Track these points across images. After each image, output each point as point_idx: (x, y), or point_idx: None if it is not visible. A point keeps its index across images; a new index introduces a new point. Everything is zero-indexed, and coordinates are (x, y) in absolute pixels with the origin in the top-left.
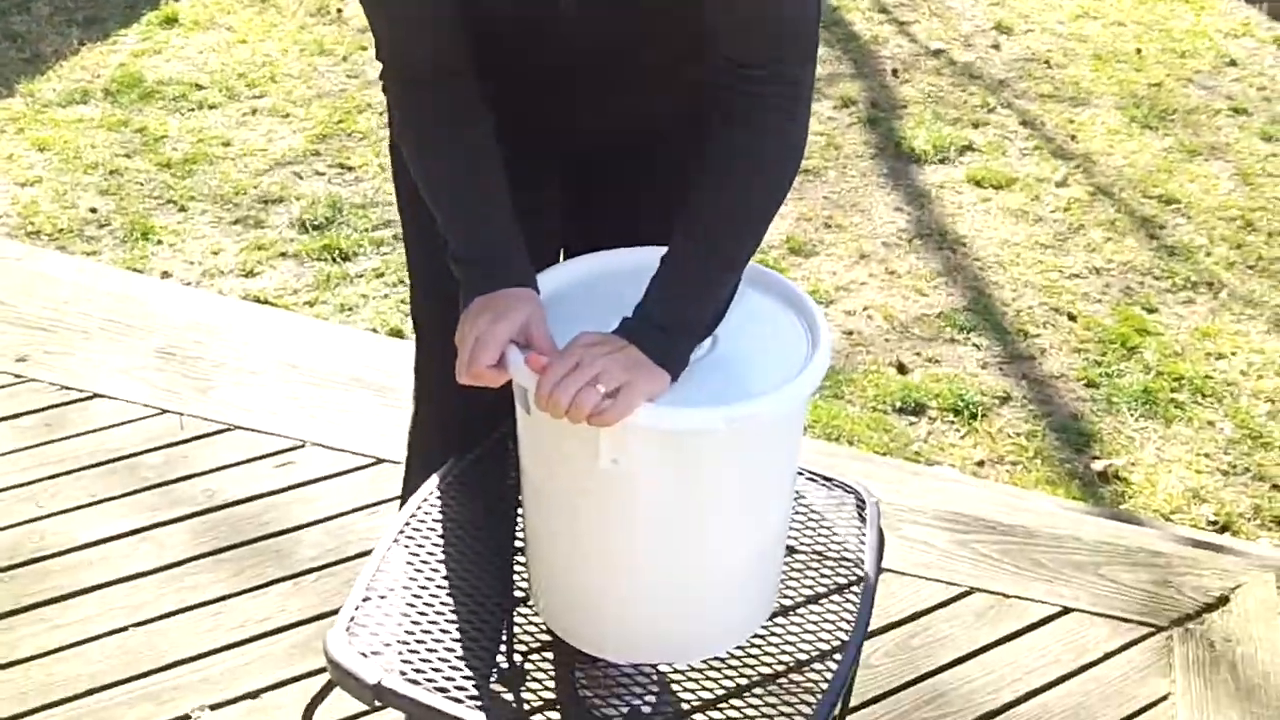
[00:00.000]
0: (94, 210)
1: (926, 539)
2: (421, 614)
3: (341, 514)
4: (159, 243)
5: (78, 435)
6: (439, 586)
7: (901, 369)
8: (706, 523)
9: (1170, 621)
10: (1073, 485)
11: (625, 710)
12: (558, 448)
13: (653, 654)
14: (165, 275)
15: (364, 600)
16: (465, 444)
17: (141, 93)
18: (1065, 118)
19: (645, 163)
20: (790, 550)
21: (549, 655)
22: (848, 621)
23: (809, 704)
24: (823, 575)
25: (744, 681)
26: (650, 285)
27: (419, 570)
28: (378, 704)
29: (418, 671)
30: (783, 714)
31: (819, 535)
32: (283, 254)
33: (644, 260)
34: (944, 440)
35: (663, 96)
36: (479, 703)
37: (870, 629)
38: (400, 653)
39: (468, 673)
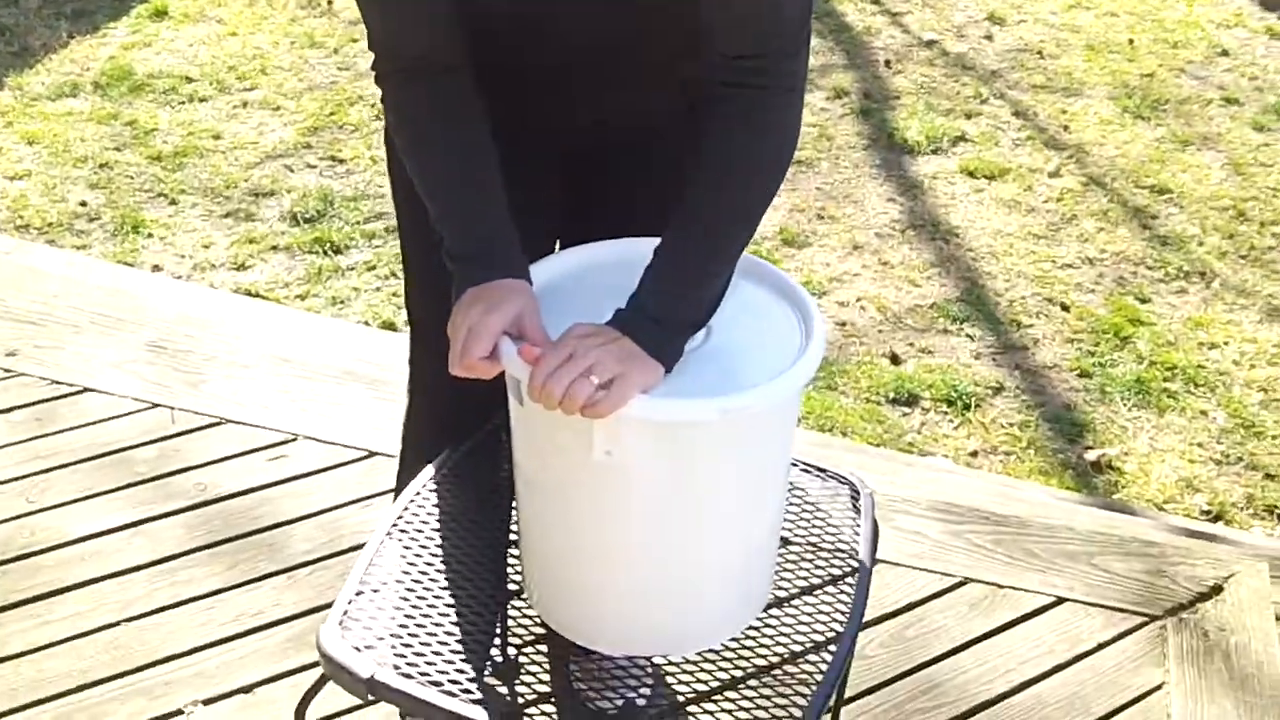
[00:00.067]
0: (84, 204)
1: (920, 529)
2: (415, 607)
3: (334, 507)
4: (149, 236)
5: (68, 430)
6: (432, 580)
7: (895, 360)
8: (701, 514)
9: (1164, 611)
10: (1066, 475)
11: (620, 703)
12: (551, 439)
13: (647, 646)
14: (156, 269)
15: (357, 594)
16: (459, 436)
17: (131, 86)
18: (1058, 108)
19: (642, 160)
20: (784, 542)
21: (543, 648)
22: (842, 613)
23: (804, 695)
24: (817, 566)
25: (739, 673)
26: (644, 277)
27: (412, 564)
28: (371, 698)
29: (411, 665)
30: (778, 705)
31: (813, 526)
32: (274, 247)
33: (637, 251)
34: (937, 431)
35: (659, 93)
36: (473, 696)
37: (865, 620)
38: (394, 646)
39: (461, 666)
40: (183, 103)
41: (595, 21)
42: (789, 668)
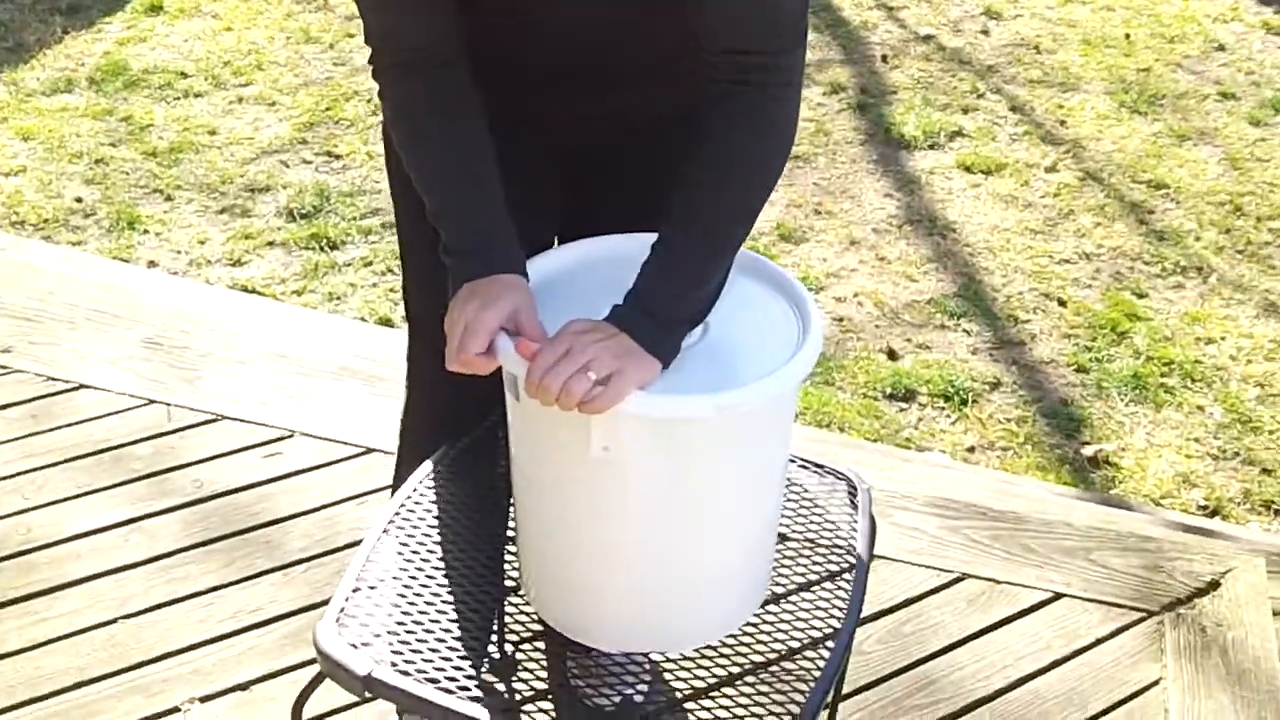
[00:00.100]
0: (79, 200)
1: (918, 525)
2: (412, 604)
3: (331, 504)
4: (145, 232)
5: (64, 426)
6: (429, 576)
7: (892, 355)
8: (698, 510)
9: (1161, 607)
10: (1063, 470)
11: (618, 700)
12: (548, 436)
13: (645, 643)
14: (152, 265)
15: (354, 591)
16: (457, 431)
17: (126, 81)
18: (1054, 103)
19: (641, 158)
20: (782, 538)
21: (541, 645)
22: (840, 609)
23: (802, 692)
24: (815, 562)
25: (736, 670)
26: (641, 273)
27: (409, 560)
28: (368, 695)
29: (408, 662)
30: (776, 702)
31: (811, 522)
32: (270, 243)
33: (634, 247)
34: (934, 426)
35: (659, 91)
36: (470, 694)
37: (862, 616)
38: (391, 643)
39: (459, 663)
40: (178, 98)
41: (594, 20)
42: (787, 664)
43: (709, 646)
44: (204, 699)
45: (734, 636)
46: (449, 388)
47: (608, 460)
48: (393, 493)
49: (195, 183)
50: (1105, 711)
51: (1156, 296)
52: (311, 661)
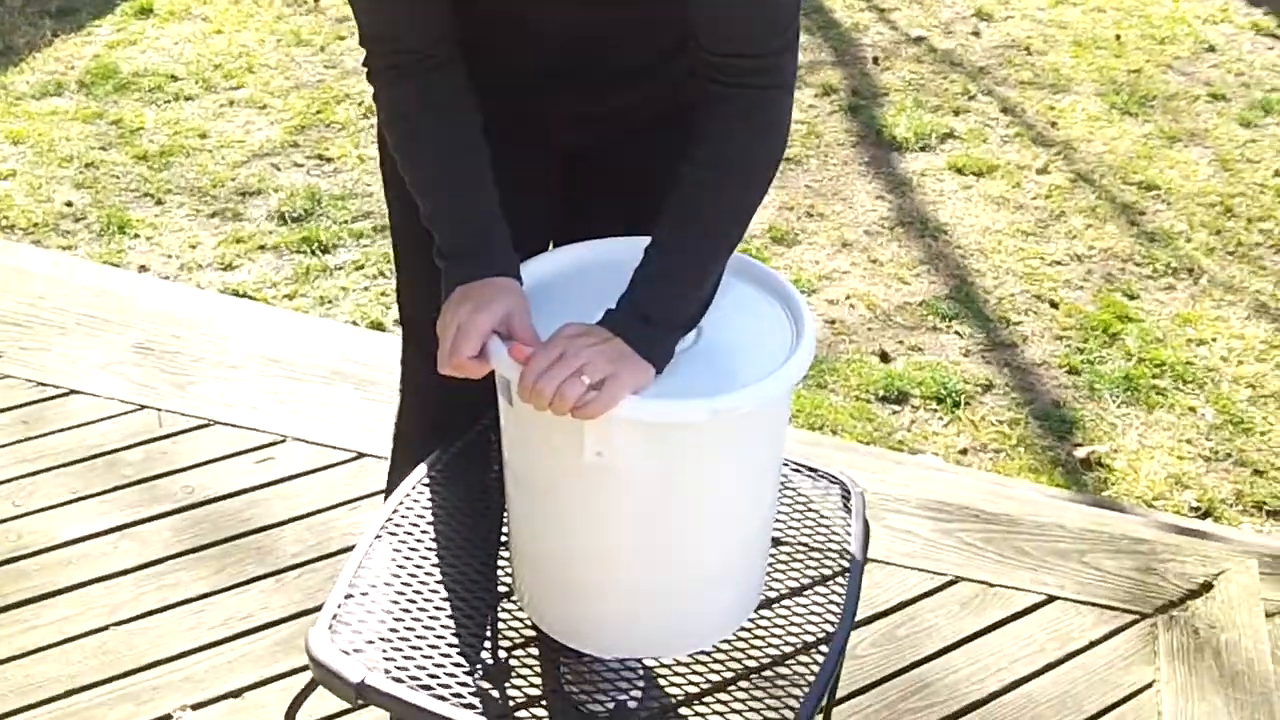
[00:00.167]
0: (70, 204)
1: (911, 528)
2: (405, 610)
3: (323, 509)
4: (136, 236)
5: (55, 432)
6: (422, 583)
7: (884, 357)
8: (692, 515)
9: (1154, 609)
10: (1056, 472)
11: (611, 705)
12: (541, 440)
13: (638, 648)
14: (143, 269)
15: (346, 597)
16: (450, 435)
17: (117, 84)
18: (1045, 104)
19: (643, 159)
20: (776, 542)
21: (534, 650)
22: (834, 613)
23: (796, 696)
24: (809, 566)
25: (730, 675)
26: (635, 276)
27: (402, 566)
28: (361, 702)
29: (401, 669)
30: (770, 707)
31: (804, 526)
32: (261, 247)
33: (628, 250)
34: (927, 429)
35: (660, 91)
36: (464, 700)
37: (856, 619)
38: (384, 650)
39: (452, 670)
40: (169, 101)
41: (594, 20)
42: (781, 668)
43: (703, 651)
44: (196, 706)
45: (728, 641)
46: (442, 391)
47: (601, 465)
48: (386, 497)
49: (186, 186)
50: (1099, 714)
51: (1148, 298)
52: (304, 668)
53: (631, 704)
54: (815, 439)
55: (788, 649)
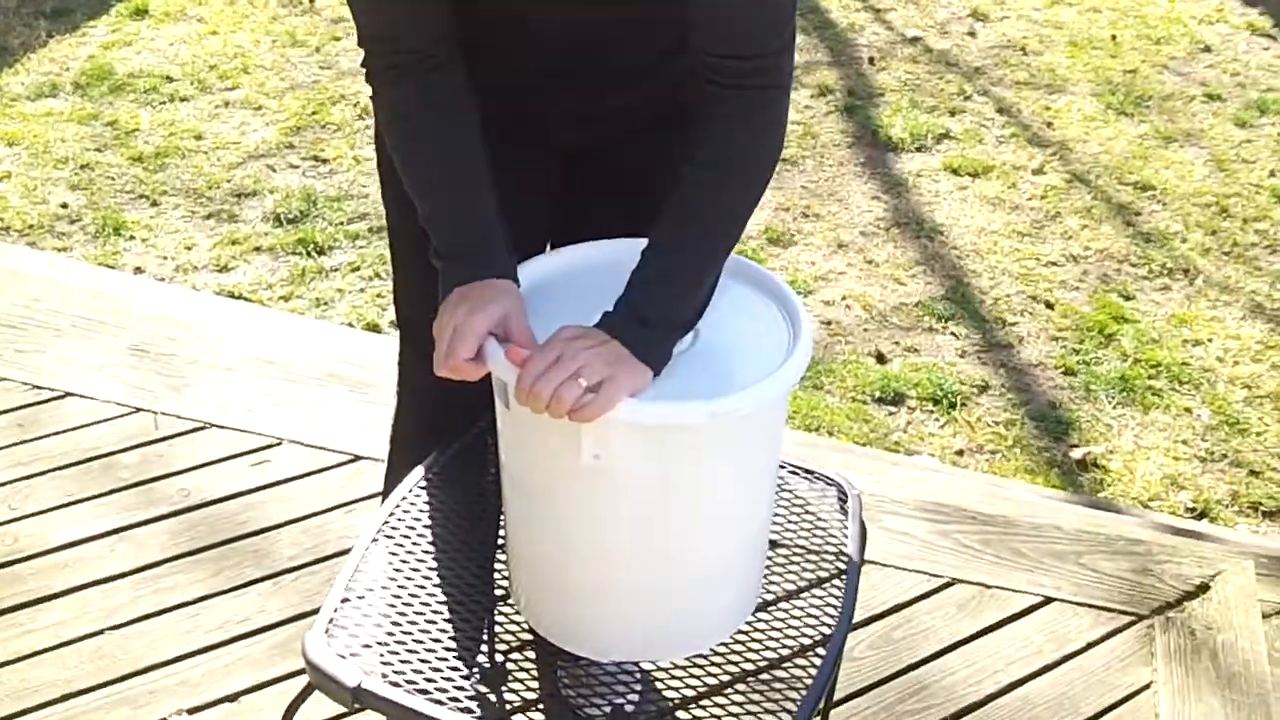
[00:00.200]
0: (65, 205)
1: (907, 530)
2: (401, 614)
3: (320, 512)
4: (131, 238)
5: (51, 435)
6: (419, 585)
7: (880, 359)
8: (689, 518)
9: (1151, 610)
10: (1052, 474)
11: (608, 709)
12: (538, 443)
13: (635, 651)
14: (138, 271)
15: (343, 601)
16: (448, 437)
17: (112, 85)
18: (1041, 105)
19: (644, 158)
20: (773, 544)
21: (531, 654)
22: (831, 615)
23: (793, 700)
24: (805, 569)
25: (728, 677)
26: (633, 278)
27: (398, 569)
28: (358, 706)
29: (398, 673)
30: (767, 710)
31: (801, 528)
32: (257, 248)
33: (626, 252)
34: (923, 430)
35: (661, 91)
36: (460, 704)
37: (853, 621)
38: (380, 654)
39: (448, 673)
40: (164, 102)
41: (594, 20)
42: (778, 671)
43: (700, 654)
44: (192, 711)
45: (725, 644)
46: (439, 393)
47: (598, 468)
48: (383, 499)
49: (181, 188)
50: (1096, 716)
51: (1143, 298)
52: (300, 672)
53: (629, 707)
54: (812, 440)
55: (785, 651)
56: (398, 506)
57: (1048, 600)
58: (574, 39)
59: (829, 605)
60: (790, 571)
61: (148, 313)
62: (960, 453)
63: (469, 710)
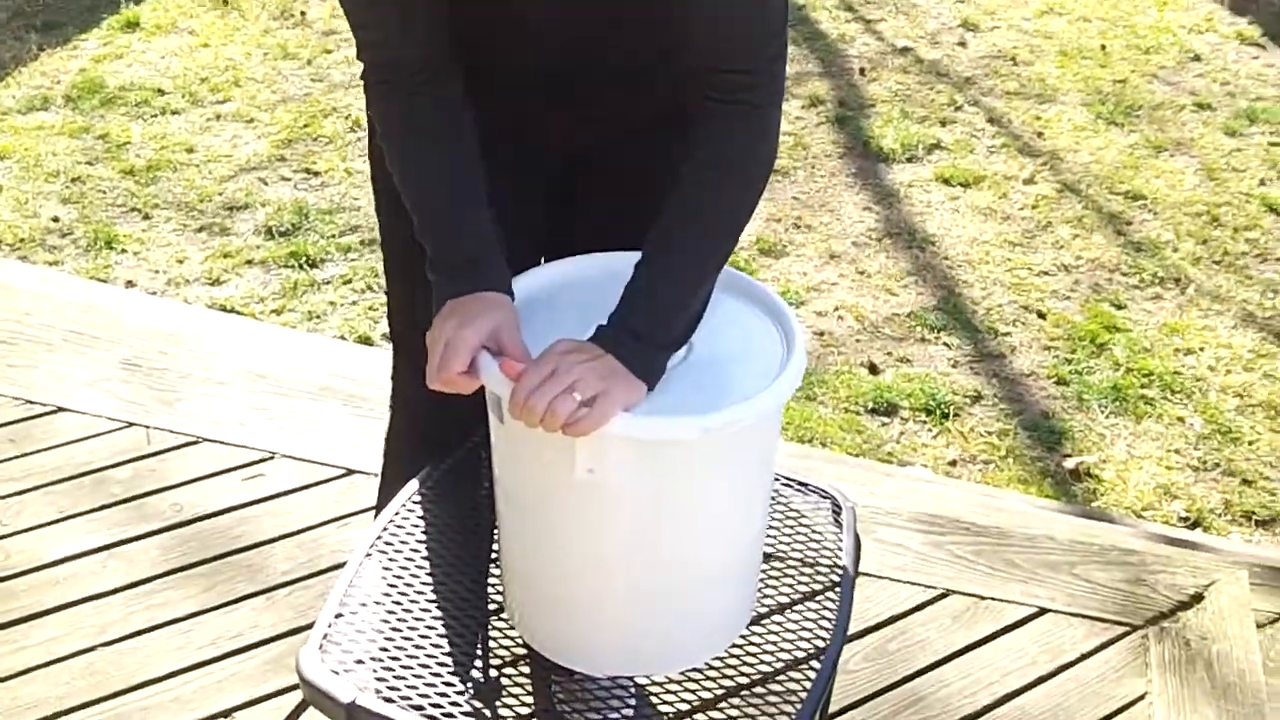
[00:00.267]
0: (56, 219)
1: (901, 541)
2: (396, 629)
3: (313, 526)
4: (123, 251)
5: (42, 450)
6: (413, 600)
7: (873, 369)
8: (684, 532)
9: (1145, 620)
10: (1045, 483)
11: None
12: (532, 457)
13: (630, 666)
14: (130, 285)
15: (337, 616)
16: (441, 451)
17: (103, 99)
18: (1032, 115)
19: (643, 159)
20: (767, 557)
21: (525, 669)
22: (826, 628)
23: (789, 713)
24: (800, 581)
25: (722, 691)
26: (626, 292)
27: (392, 585)
28: None
29: (392, 689)
30: None
31: (796, 541)
32: (249, 261)
33: (620, 266)
34: (916, 440)
35: (662, 90)
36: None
37: (848, 634)
38: (374, 670)
39: (443, 689)
40: (155, 115)
41: (594, 20)
42: (773, 684)
43: (694, 668)
44: None
45: (720, 657)
46: (432, 406)
47: (592, 482)
48: (376, 513)
49: (173, 201)
50: None
51: (1135, 308)
52: (295, 688)
53: None
54: (805, 451)
55: (780, 664)
56: (391, 521)
57: (1042, 611)
58: (574, 39)
59: (824, 618)
60: (785, 584)
61: (139, 326)
62: (953, 463)
63: None
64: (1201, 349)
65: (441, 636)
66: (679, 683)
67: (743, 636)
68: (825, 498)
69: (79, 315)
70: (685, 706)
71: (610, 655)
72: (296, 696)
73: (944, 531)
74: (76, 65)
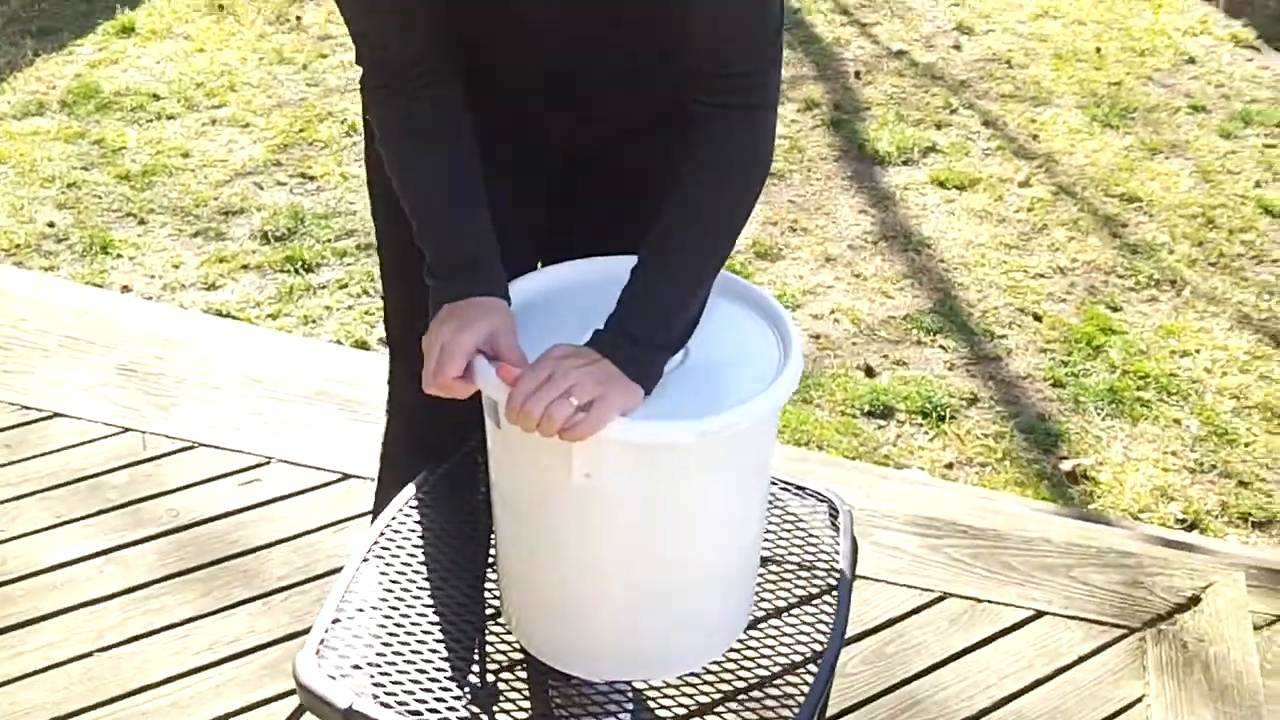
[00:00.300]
0: (52, 224)
1: (898, 544)
2: (392, 634)
3: (309, 531)
4: (118, 256)
5: (39, 456)
6: (410, 605)
7: (869, 372)
8: (681, 537)
9: (1142, 623)
10: (1041, 486)
11: None
12: (529, 462)
13: (627, 671)
14: (125, 290)
15: (334, 621)
16: (438, 456)
17: (99, 104)
18: (1027, 117)
19: (643, 158)
20: (765, 560)
21: (522, 673)
22: (823, 631)
23: (786, 717)
24: (797, 585)
25: (720, 695)
26: (622, 297)
27: (389, 590)
28: None
29: (389, 694)
30: None
31: (793, 545)
32: (244, 266)
33: (618, 270)
34: (913, 443)
35: (662, 89)
36: None
37: (845, 637)
38: (372, 674)
39: (440, 694)
40: (151, 120)
41: (594, 20)
42: (770, 688)
43: (692, 672)
44: None
45: (717, 661)
46: (428, 410)
47: (590, 486)
48: (373, 518)
49: (169, 206)
50: None
51: (1131, 310)
52: (291, 693)
53: None
54: (801, 455)
55: (777, 668)
56: (388, 526)
57: (1039, 614)
58: (574, 39)
59: (821, 621)
60: (782, 587)
61: (135, 331)
62: (950, 466)
63: None
64: (1197, 351)
65: (439, 641)
66: (676, 687)
67: (740, 640)
68: (822, 501)
69: (74, 320)
70: (683, 711)
71: (608, 660)
72: (293, 702)
73: (941, 534)
74: (72, 70)
